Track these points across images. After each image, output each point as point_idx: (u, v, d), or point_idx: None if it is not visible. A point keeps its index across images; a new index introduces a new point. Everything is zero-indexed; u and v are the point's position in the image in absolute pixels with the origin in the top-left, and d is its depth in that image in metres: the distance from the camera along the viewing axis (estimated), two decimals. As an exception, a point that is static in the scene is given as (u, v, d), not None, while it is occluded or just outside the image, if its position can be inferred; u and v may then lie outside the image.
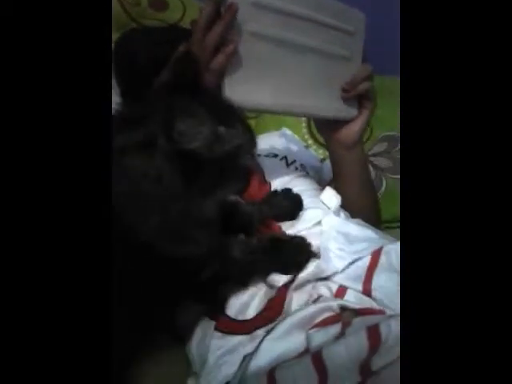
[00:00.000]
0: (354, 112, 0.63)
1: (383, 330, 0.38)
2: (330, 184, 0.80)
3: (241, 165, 0.44)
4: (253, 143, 0.46)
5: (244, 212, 0.59)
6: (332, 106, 0.61)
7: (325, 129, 0.69)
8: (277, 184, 0.67)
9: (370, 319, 0.43)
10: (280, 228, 0.59)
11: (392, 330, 0.38)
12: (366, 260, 0.52)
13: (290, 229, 0.59)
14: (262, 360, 0.44)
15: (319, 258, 0.54)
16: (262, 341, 0.46)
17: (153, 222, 0.40)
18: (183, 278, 0.47)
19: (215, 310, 0.53)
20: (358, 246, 0.54)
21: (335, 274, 0.52)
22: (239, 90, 0.50)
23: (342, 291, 0.50)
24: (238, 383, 0.45)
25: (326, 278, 0.53)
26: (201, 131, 0.39)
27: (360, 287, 0.49)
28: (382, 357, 0.36)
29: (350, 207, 0.65)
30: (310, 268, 0.52)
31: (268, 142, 0.85)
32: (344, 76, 0.60)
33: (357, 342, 0.39)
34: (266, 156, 0.76)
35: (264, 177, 0.69)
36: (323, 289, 0.51)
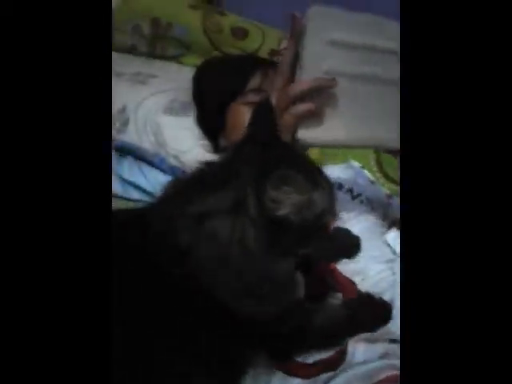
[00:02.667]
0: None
1: None
2: (397, 222, 0.78)
3: (323, 223, 0.43)
4: (334, 201, 0.45)
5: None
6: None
7: None
8: (340, 218, 0.66)
9: None
10: (352, 284, 0.58)
11: None
12: None
13: (360, 282, 0.57)
14: None
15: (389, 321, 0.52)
16: None
17: (227, 282, 0.41)
18: (257, 338, 0.47)
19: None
20: None
21: None
22: (314, 131, 0.51)
23: None
24: None
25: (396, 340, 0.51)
26: (293, 198, 0.38)
27: None
28: None
29: None
30: (383, 329, 0.50)
31: (334, 172, 0.84)
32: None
33: None
34: None
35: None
36: (391, 347, 0.49)
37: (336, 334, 0.50)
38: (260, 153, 0.42)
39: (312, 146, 0.53)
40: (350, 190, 0.76)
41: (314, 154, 1.03)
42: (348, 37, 0.51)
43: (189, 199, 0.42)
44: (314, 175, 0.43)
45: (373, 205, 0.75)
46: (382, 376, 0.44)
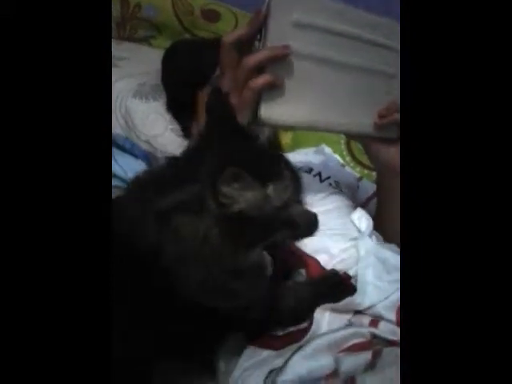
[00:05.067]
0: (393, 133, 0.62)
1: None
2: (365, 203, 0.80)
3: (288, 214, 0.44)
4: (300, 189, 0.46)
5: None
6: (372, 124, 0.60)
7: (371, 149, 0.66)
8: (308, 200, 0.67)
9: None
10: (316, 261, 0.59)
11: None
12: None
13: (324, 259, 0.59)
14: (289, 375, 0.45)
15: (354, 293, 0.53)
16: (290, 357, 0.46)
17: (196, 278, 0.42)
18: (227, 323, 0.48)
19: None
20: (396, 275, 0.54)
21: (370, 307, 0.52)
22: (277, 110, 0.51)
23: (375, 322, 0.50)
24: None
25: (360, 311, 0.52)
26: (245, 195, 0.39)
27: (393, 317, 0.49)
28: None
29: (391, 232, 0.64)
30: (345, 301, 0.52)
31: (304, 157, 0.85)
32: (388, 93, 0.60)
33: (391, 375, 0.39)
34: (299, 170, 0.76)
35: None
36: (357, 317, 0.51)
37: (303, 309, 0.53)
38: (217, 145, 0.42)
39: (275, 126, 0.53)
40: (319, 174, 0.77)
41: (286, 138, 1.04)
42: (313, 20, 0.51)
43: (153, 196, 0.42)
44: (273, 165, 0.43)
45: (341, 187, 0.77)
46: (349, 343, 0.46)
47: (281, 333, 0.52)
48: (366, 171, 0.98)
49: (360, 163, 0.99)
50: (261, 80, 0.49)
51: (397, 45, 0.57)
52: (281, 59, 0.50)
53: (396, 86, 0.59)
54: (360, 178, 0.92)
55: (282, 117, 0.51)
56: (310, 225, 0.62)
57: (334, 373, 0.43)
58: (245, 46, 0.51)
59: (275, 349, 0.50)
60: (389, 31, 0.57)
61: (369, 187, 0.85)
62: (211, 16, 1.12)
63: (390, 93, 0.59)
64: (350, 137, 0.69)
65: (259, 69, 0.50)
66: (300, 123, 0.55)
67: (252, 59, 0.49)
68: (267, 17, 0.48)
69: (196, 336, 0.49)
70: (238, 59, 0.50)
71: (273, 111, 0.50)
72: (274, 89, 0.50)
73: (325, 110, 0.55)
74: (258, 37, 0.50)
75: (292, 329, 0.52)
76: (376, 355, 0.43)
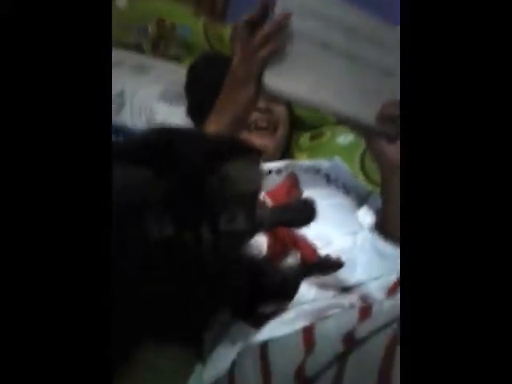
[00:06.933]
0: (394, 129, 0.64)
1: (375, 307, 0.38)
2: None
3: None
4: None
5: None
6: (373, 118, 0.62)
7: (375, 145, 0.67)
8: (310, 194, 0.68)
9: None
10: (311, 247, 0.60)
11: (384, 307, 0.38)
12: (395, 277, 0.51)
13: (321, 246, 0.60)
14: (261, 336, 0.44)
15: (342, 267, 0.54)
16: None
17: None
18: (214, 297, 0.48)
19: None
20: (390, 263, 0.54)
21: (358, 285, 0.52)
22: (279, 80, 0.55)
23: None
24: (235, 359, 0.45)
25: (348, 290, 0.52)
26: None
27: (382, 296, 0.49)
28: (366, 326, 0.36)
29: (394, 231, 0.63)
30: (332, 275, 0.52)
31: (315, 163, 0.87)
32: (387, 90, 0.62)
33: (347, 315, 0.38)
34: (306, 170, 0.78)
35: (297, 185, 0.71)
36: (342, 296, 0.51)
37: (290, 285, 0.53)
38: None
39: (278, 96, 0.57)
40: (327, 175, 0.78)
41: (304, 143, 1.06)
42: (319, 7, 0.56)
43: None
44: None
45: (348, 191, 0.78)
46: (330, 312, 0.45)
47: (268, 311, 0.51)
48: (378, 189, 0.98)
49: (372, 181, 0.99)
50: (267, 48, 0.53)
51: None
52: (284, 28, 0.54)
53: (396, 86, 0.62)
54: (369, 193, 0.92)
55: (283, 87, 0.55)
56: (307, 212, 0.64)
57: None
58: (254, 27, 0.55)
59: (260, 325, 0.49)
60: (388, 35, 0.61)
61: (379, 202, 0.85)
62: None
63: (394, 90, 0.62)
64: (351, 127, 0.71)
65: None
66: (298, 97, 0.58)
67: (259, 34, 0.54)
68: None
69: (182, 314, 0.48)
70: (248, 38, 0.55)
71: (276, 82, 0.54)
72: (278, 58, 0.54)
73: (324, 90, 0.58)
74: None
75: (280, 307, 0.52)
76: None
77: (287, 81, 0.55)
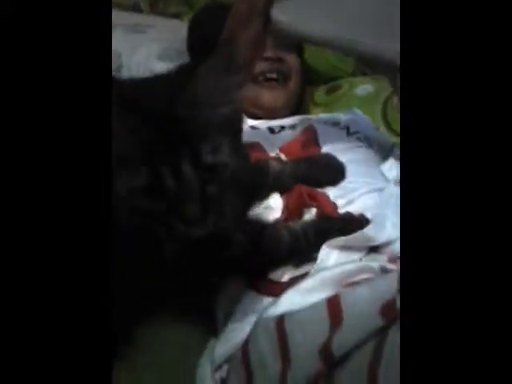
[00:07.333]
0: None
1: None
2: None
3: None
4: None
5: (273, 171, 0.55)
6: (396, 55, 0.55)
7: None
8: (329, 150, 0.61)
9: None
10: (329, 202, 0.53)
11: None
12: None
13: (343, 204, 0.53)
14: (279, 308, 0.39)
15: (368, 223, 0.47)
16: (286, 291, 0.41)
17: None
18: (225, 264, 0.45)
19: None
20: None
21: (388, 244, 0.45)
22: (288, 18, 0.49)
23: (394, 261, 0.43)
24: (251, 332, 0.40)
25: (376, 250, 0.46)
26: None
27: None
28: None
29: None
30: (357, 235, 0.46)
31: (334, 116, 0.79)
32: None
33: (384, 281, 0.32)
34: (325, 123, 0.71)
35: (315, 139, 0.64)
36: (370, 257, 0.45)
37: (302, 246, 0.47)
38: None
39: (286, 33, 0.50)
40: (347, 128, 0.71)
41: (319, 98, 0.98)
42: None
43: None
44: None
45: (371, 143, 0.70)
46: (358, 278, 0.39)
47: (283, 279, 0.46)
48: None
49: (396, 132, 0.91)
50: None
51: None
52: None
53: None
54: (394, 144, 0.85)
55: (296, 25, 0.50)
56: (334, 170, 0.57)
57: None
58: None
59: (275, 295, 0.44)
60: None
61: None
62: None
63: None
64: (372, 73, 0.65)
65: None
66: (308, 34, 0.53)
67: None
68: None
69: (195, 283, 0.45)
70: None
71: (284, 18, 0.49)
72: None
73: (342, 28, 0.52)
74: None
75: (296, 273, 0.46)
76: None
77: (299, 17, 0.50)
